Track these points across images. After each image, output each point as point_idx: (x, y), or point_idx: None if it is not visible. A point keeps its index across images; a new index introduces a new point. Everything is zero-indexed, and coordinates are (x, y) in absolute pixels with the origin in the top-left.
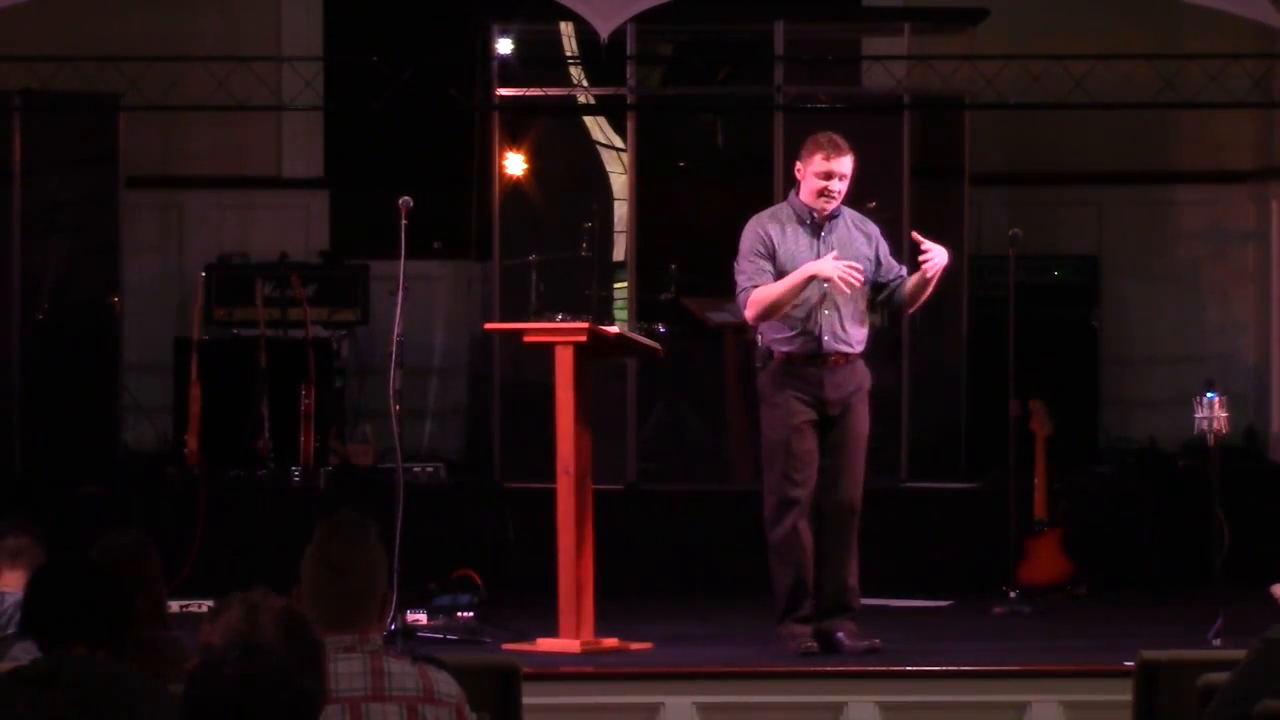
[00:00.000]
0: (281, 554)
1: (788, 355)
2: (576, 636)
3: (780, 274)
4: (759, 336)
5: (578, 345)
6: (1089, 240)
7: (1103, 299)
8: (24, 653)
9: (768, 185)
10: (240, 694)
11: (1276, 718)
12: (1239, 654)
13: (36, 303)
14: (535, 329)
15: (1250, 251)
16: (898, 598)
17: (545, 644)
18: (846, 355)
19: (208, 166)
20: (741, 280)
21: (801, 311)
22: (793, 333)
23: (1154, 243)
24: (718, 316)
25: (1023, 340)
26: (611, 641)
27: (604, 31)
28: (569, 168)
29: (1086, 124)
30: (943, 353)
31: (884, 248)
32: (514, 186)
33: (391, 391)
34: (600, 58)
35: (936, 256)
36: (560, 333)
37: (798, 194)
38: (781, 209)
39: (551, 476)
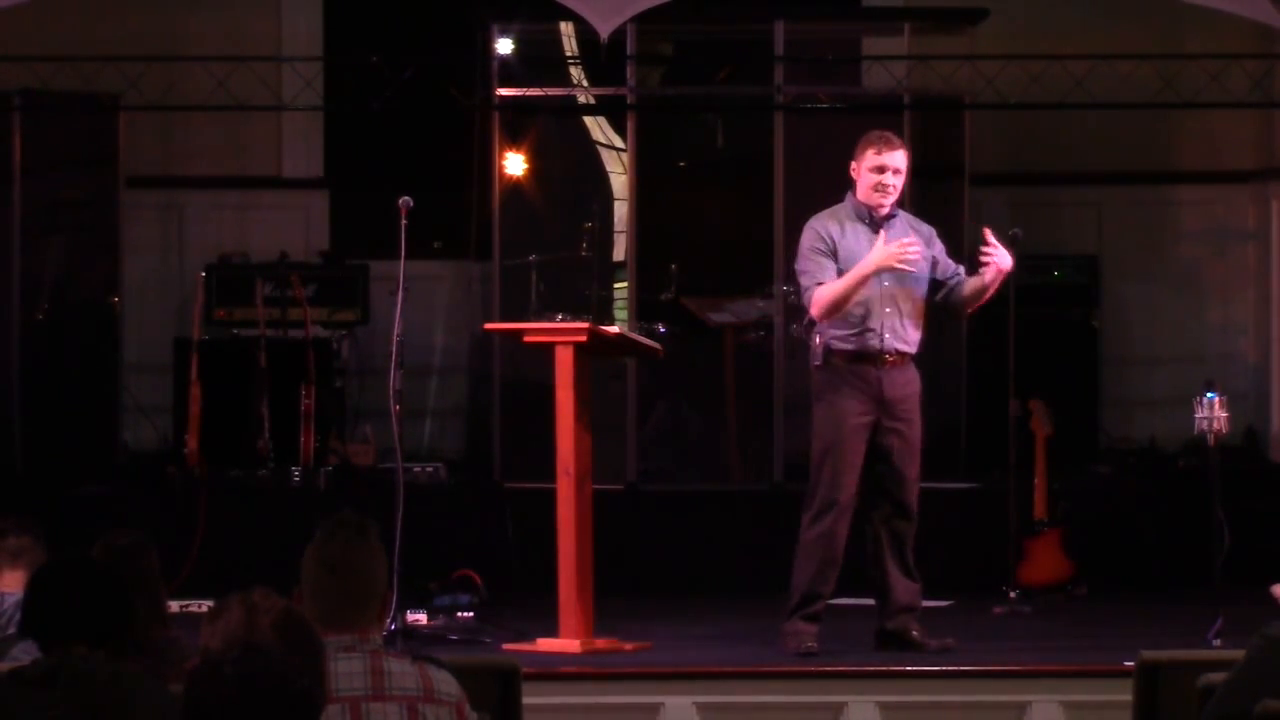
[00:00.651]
0: (281, 554)
1: (846, 354)
2: (576, 636)
3: (841, 271)
4: (816, 335)
5: (578, 345)
6: (1089, 240)
7: (1103, 299)
8: (24, 653)
9: (768, 185)
10: (240, 694)
11: (1276, 718)
12: (1239, 654)
13: (36, 303)
14: (535, 329)
15: (1250, 251)
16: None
17: (545, 644)
18: (904, 355)
19: (208, 166)
20: (804, 280)
21: (862, 310)
22: (852, 330)
23: (1154, 243)
24: (718, 316)
25: (1023, 340)
26: (611, 641)
27: (604, 31)
28: (569, 168)
29: (1086, 124)
30: (943, 353)
31: (940, 248)
32: (514, 186)
33: (391, 391)
34: (600, 58)
35: (998, 259)
36: (560, 333)
37: (855, 194)
38: (840, 208)
39: (551, 476)
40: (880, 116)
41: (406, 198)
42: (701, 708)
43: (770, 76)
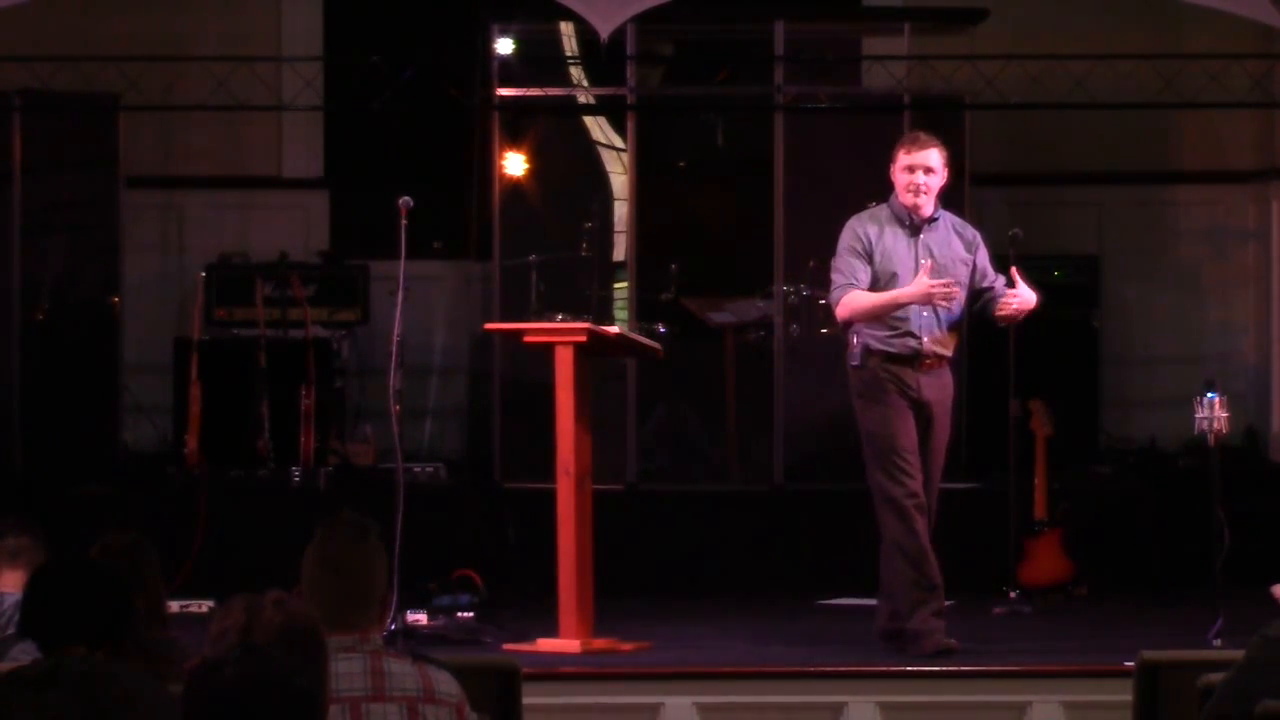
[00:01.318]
0: (281, 554)
1: (885, 355)
2: (576, 636)
3: (878, 273)
4: (853, 335)
5: (578, 345)
6: (1089, 240)
7: (1103, 299)
8: (24, 653)
9: (768, 185)
10: (240, 694)
11: (1276, 718)
12: (1239, 654)
13: (36, 303)
14: (535, 329)
15: (1250, 251)
16: None
17: (545, 644)
18: (941, 359)
19: (208, 166)
20: (837, 278)
21: (901, 312)
22: (892, 332)
23: (1154, 243)
24: (718, 316)
25: (1023, 340)
26: (611, 641)
27: (604, 31)
28: (569, 168)
29: (1086, 124)
30: None
31: (984, 255)
32: (514, 186)
33: (391, 391)
34: (600, 58)
35: (1019, 300)
36: (560, 333)
37: (896, 197)
38: (880, 210)
39: (551, 476)
40: (880, 116)
41: (406, 198)
42: (701, 708)
43: (770, 76)
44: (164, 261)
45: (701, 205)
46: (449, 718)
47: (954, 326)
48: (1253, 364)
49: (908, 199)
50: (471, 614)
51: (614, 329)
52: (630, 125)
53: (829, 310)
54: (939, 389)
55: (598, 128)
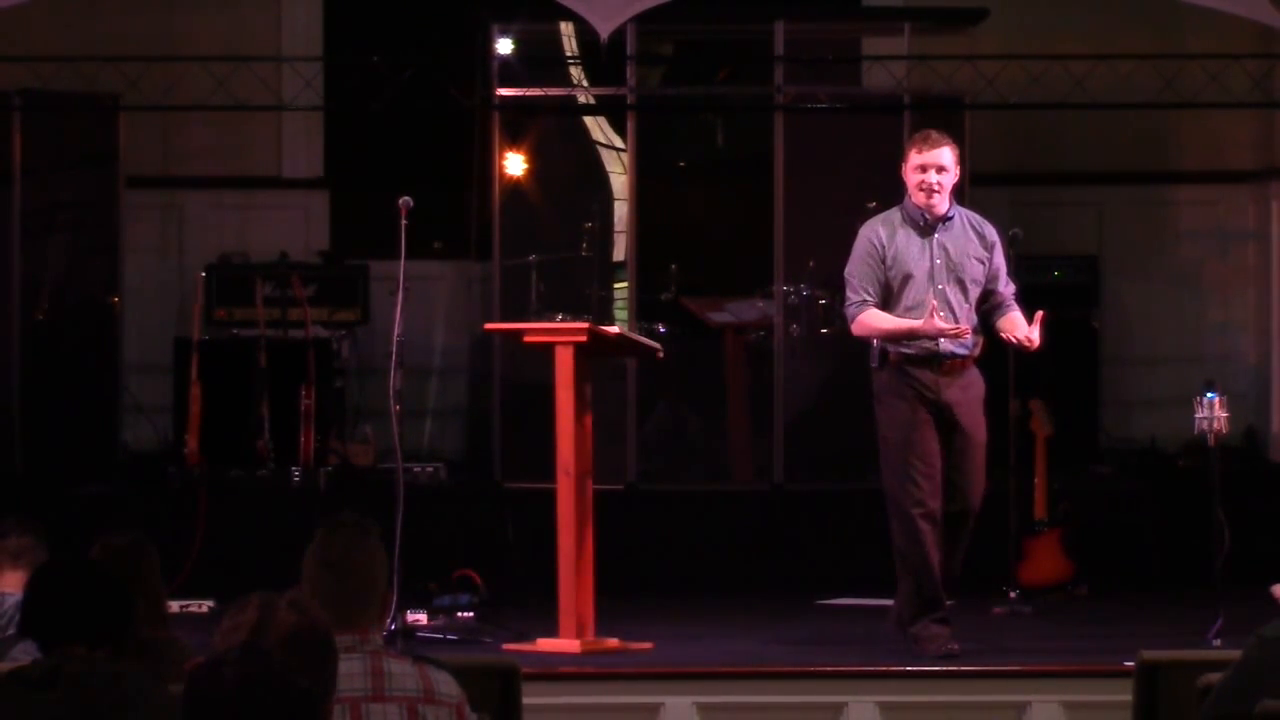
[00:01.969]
0: (281, 554)
1: (904, 356)
2: (576, 636)
3: (891, 277)
4: (874, 338)
5: (578, 345)
6: (1089, 240)
7: (1103, 299)
8: (24, 653)
9: (768, 185)
10: (240, 694)
11: (1276, 718)
12: (1239, 654)
13: (36, 303)
14: (535, 329)
15: (1250, 251)
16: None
17: (545, 644)
18: (962, 358)
19: (208, 166)
20: (850, 294)
21: (917, 314)
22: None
23: (1154, 243)
24: (718, 316)
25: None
26: (611, 641)
27: (604, 32)
28: (569, 168)
29: (1086, 124)
30: None
31: (1000, 255)
32: (514, 186)
33: (391, 391)
34: (600, 58)
35: (1023, 336)
36: (560, 333)
37: (909, 198)
38: (893, 212)
39: (551, 476)
40: (880, 116)
41: (406, 198)
42: (701, 708)
43: (770, 76)
44: (164, 261)
45: (701, 205)
46: (449, 718)
47: (972, 326)
48: (1253, 364)
49: (921, 198)
50: (471, 614)
51: (614, 329)
52: (630, 125)
53: (829, 310)
54: (961, 389)
55: (598, 128)
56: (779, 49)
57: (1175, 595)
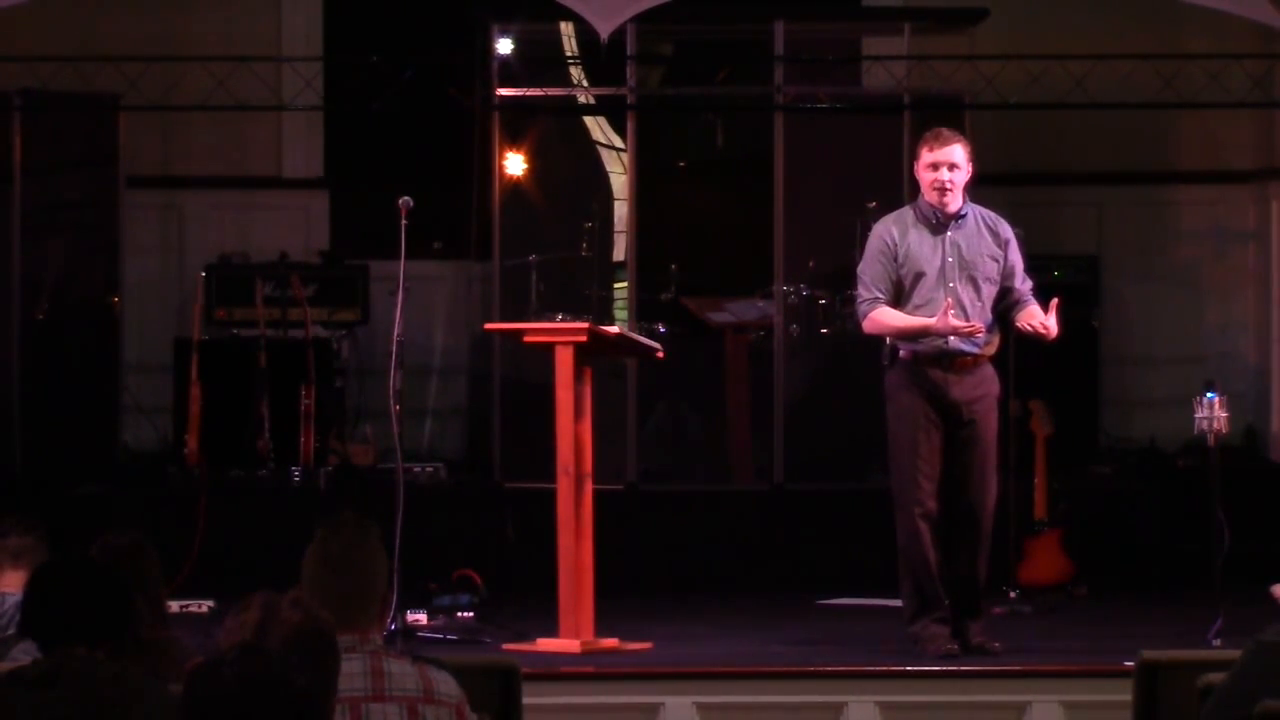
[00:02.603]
0: (281, 554)
1: (914, 355)
2: (576, 636)
3: (903, 275)
4: (886, 337)
5: (578, 345)
6: (1089, 240)
7: (1103, 299)
8: (24, 653)
9: (768, 185)
10: (240, 694)
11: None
12: (1238, 654)
13: (36, 303)
14: (535, 329)
15: (1250, 251)
16: (898, 597)
17: (545, 644)
18: (974, 357)
19: (208, 166)
20: (862, 291)
21: (926, 311)
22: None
23: (1154, 243)
24: (718, 316)
25: (1022, 340)
26: (611, 641)
27: (604, 32)
28: (569, 168)
29: (1086, 124)
30: None
31: (1014, 251)
32: (514, 186)
33: (391, 391)
34: (600, 58)
35: (1040, 325)
36: (560, 333)
37: (921, 196)
38: (906, 211)
39: (551, 476)
40: (880, 116)
41: (406, 198)
42: (701, 708)
43: (770, 76)
44: (164, 261)
45: (701, 205)
46: (449, 718)
47: (986, 325)
48: (1253, 364)
49: (933, 196)
50: (471, 614)
51: (614, 329)
52: (630, 125)
53: (829, 310)
54: (972, 387)
55: (598, 128)
56: (779, 49)
57: (1175, 595)
